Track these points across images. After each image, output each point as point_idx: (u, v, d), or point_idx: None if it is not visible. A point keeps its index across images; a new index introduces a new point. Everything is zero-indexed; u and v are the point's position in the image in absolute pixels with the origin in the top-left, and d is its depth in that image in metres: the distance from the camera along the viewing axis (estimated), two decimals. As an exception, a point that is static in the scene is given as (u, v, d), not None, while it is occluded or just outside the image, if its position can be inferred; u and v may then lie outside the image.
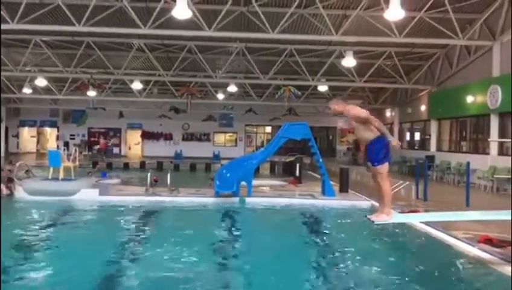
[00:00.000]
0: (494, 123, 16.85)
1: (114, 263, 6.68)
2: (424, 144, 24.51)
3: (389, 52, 21.43)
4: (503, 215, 7.41)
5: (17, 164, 14.71)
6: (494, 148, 16.81)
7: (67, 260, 6.88)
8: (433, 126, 22.49)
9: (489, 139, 17.02)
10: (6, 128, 33.87)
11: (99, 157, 28.42)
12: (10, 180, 13.27)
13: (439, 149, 22.03)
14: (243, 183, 12.91)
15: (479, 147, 18.68)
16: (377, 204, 11.78)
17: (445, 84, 21.72)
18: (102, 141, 35.43)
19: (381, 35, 16.90)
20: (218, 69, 24.88)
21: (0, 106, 25.49)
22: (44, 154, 28.97)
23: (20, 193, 12.48)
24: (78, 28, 15.87)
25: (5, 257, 6.64)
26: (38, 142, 37.85)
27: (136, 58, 23.92)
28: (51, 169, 13.38)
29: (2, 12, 15.33)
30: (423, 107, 23.99)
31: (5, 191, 12.81)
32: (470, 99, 18.29)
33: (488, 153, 17.18)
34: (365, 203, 12.21)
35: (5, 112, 33.09)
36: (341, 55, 21.07)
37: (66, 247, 7.68)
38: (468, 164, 12.56)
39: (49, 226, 9.51)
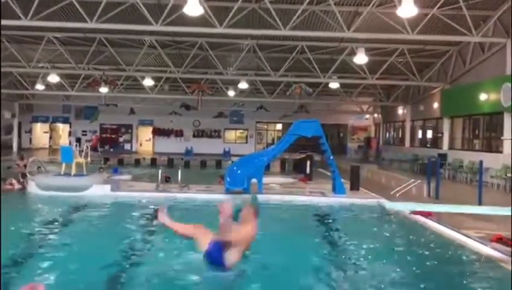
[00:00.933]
0: (508, 121, 16.65)
1: (124, 257, 6.72)
2: (436, 142, 24.31)
3: (401, 49, 21.26)
4: (503, 211, 7.34)
5: (30, 160, 14.88)
6: (507, 146, 16.61)
7: (79, 254, 6.94)
8: (446, 124, 22.28)
9: (502, 138, 16.83)
10: (19, 124, 34.22)
11: (100, 154, 28.07)
12: (23, 175, 13.44)
13: (451, 147, 21.83)
14: (253, 180, 12.90)
15: (492, 145, 18.47)
16: (387, 202, 11.73)
17: (458, 82, 21.50)
18: (94, 136, 34.94)
19: (394, 32, 16.76)
20: (229, 66, 24.89)
21: (0, 102, 25.58)
22: (56, 150, 29.23)
23: (32, 187, 12.60)
24: (90, 24, 15.96)
25: (16, 250, 6.72)
26: (50, 138, 38.21)
27: (147, 55, 24.01)
28: (63, 165, 13.48)
29: (15, 9, 15.45)
30: (436, 105, 23.78)
31: (17, 185, 12.98)
32: (483, 97, 18.08)
33: (501, 152, 16.99)
34: (376, 200, 12.13)
35: (18, 107, 33.45)
36: (353, 52, 20.94)
37: (77, 242, 7.73)
38: (481, 162, 12.44)
39: (60, 221, 9.58)
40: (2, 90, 29.30)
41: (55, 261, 6.60)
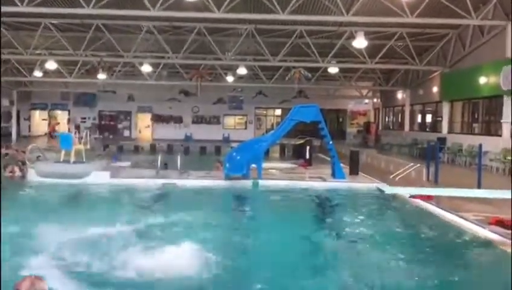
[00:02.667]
0: (507, 105, 16.60)
1: (126, 243, 6.76)
2: (435, 126, 24.28)
3: (400, 32, 21.10)
4: (504, 194, 7.37)
5: (29, 147, 14.85)
6: (506, 130, 16.60)
7: (83, 239, 6.99)
8: (445, 108, 22.23)
9: (501, 120, 16.82)
10: (18, 112, 34.11)
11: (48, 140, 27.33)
12: (23, 162, 13.45)
13: (450, 131, 21.82)
14: (253, 166, 12.92)
15: (491, 129, 18.45)
16: (386, 186, 11.76)
17: (457, 65, 21.40)
18: (53, 122, 33.47)
19: (393, 16, 16.62)
20: (227, 51, 24.72)
21: (0, 90, 25.45)
22: (55, 138, 29.17)
23: (32, 175, 12.61)
24: (87, 10, 15.82)
25: (19, 237, 6.76)
26: (49, 125, 38.12)
27: (145, 41, 23.83)
28: (63, 152, 13.47)
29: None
30: (435, 89, 23.71)
31: (18, 172, 13.01)
32: (482, 80, 18.02)
33: (500, 135, 16.97)
34: (375, 185, 12.17)
35: (16, 95, 33.32)
36: (352, 36, 20.79)
37: (79, 227, 7.76)
38: (480, 146, 12.44)
39: (61, 207, 9.62)
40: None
41: (54, 245, 6.64)
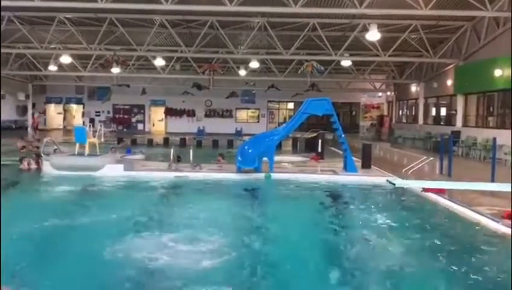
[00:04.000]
0: (523, 98, 16.40)
1: (137, 234, 6.88)
2: (449, 119, 24.05)
3: (414, 25, 20.91)
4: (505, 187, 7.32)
5: (44, 140, 15.09)
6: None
7: (98, 231, 7.14)
8: (460, 101, 22.01)
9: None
10: (33, 105, 34.57)
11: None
12: (38, 155, 13.68)
13: (465, 125, 21.61)
14: (265, 159, 12.96)
15: (506, 122, 18.24)
16: (398, 179, 11.73)
17: (472, 58, 21.15)
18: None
19: (407, 8, 16.46)
20: (240, 45, 24.74)
21: (0, 81, 25.49)
22: (70, 131, 29.51)
23: (47, 167, 12.81)
24: (100, 4, 15.93)
25: (35, 229, 6.91)
26: (64, 118, 38.56)
27: (158, 35, 23.96)
28: (77, 145, 13.66)
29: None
30: (449, 82, 23.46)
31: (34, 165, 13.25)
32: (497, 73, 17.79)
33: (515, 129, 16.78)
34: (386, 178, 12.12)
35: (32, 89, 33.76)
36: (365, 29, 20.65)
37: (93, 219, 7.90)
38: (494, 139, 12.32)
39: (75, 198, 9.79)
40: (16, 72, 29.60)
41: (70, 236, 6.77)
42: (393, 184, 7.54)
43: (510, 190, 7.63)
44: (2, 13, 19.40)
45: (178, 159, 14.20)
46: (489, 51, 19.26)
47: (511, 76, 16.59)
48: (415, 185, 9.12)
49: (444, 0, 16.77)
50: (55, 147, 15.54)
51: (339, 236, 7.32)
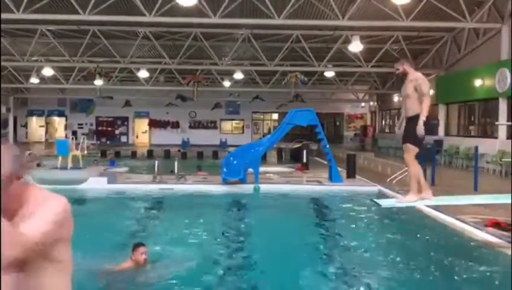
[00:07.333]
0: (503, 107, 16.68)
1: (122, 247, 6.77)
2: (432, 128, 24.32)
3: (396, 36, 21.20)
4: (504, 199, 7.39)
5: (26, 153, 14.86)
6: (502, 132, 16.67)
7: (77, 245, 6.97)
8: (441, 111, 22.32)
9: (497, 123, 16.87)
10: (15, 118, 34.09)
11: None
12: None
13: (447, 134, 21.89)
14: (250, 170, 12.93)
15: (488, 131, 18.53)
16: (383, 189, 11.82)
17: (453, 68, 21.50)
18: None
19: (388, 19, 16.72)
20: (224, 56, 24.79)
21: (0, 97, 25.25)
22: (52, 144, 29.14)
23: (29, 181, 12.58)
24: (83, 16, 15.85)
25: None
26: (46, 131, 38.09)
27: (142, 47, 23.89)
28: (60, 158, 13.47)
29: (7, 2, 15.32)
30: (431, 92, 23.75)
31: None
32: (478, 83, 18.10)
33: (496, 137, 17.04)
34: (372, 188, 12.20)
35: (13, 102, 33.31)
36: (348, 40, 20.89)
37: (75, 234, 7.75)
38: (476, 148, 12.49)
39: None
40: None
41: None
42: (379, 205, 7.53)
43: (500, 202, 7.72)
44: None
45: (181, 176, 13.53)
46: (470, 62, 19.60)
47: (495, 85, 16.83)
48: (403, 205, 8.99)
49: (425, 11, 17.04)
50: (38, 161, 15.31)
51: (321, 245, 7.30)
